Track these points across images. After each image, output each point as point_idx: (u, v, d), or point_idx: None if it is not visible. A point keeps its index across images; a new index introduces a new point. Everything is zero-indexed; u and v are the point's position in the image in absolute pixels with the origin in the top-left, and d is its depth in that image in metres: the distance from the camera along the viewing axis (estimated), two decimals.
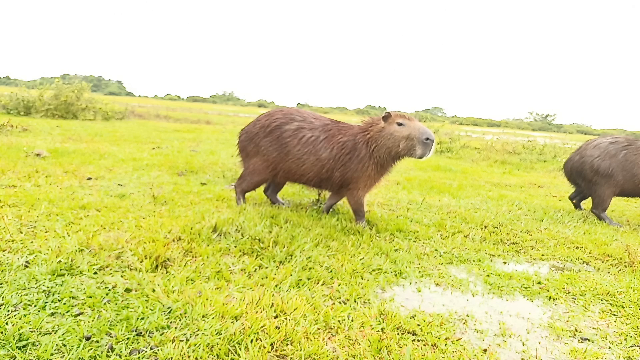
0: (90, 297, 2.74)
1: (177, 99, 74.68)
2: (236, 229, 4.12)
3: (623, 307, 3.40)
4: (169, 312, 2.65)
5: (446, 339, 2.71)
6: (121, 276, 3.08)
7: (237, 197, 5.26)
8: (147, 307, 2.68)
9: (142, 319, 2.56)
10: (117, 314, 2.59)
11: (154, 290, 2.88)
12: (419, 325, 2.82)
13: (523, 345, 2.78)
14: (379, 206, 5.96)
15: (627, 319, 3.22)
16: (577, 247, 4.82)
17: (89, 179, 5.98)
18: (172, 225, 4.11)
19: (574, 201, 6.97)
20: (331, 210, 5.32)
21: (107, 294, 2.80)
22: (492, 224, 5.39)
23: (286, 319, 2.71)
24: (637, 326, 3.10)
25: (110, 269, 3.17)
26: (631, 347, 2.84)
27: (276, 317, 2.73)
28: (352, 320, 2.80)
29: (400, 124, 4.57)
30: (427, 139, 4.43)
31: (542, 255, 4.54)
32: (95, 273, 3.09)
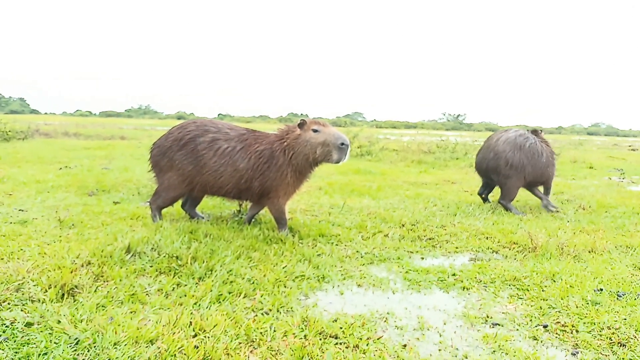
0: None
1: (89, 115, 70.46)
2: (152, 248, 3.94)
3: (528, 290, 3.66)
4: (76, 344, 2.46)
5: (368, 338, 2.76)
6: (21, 310, 2.82)
7: (153, 214, 5.04)
8: (50, 341, 2.47)
9: (44, 354, 2.36)
10: (16, 352, 2.36)
11: (59, 322, 2.67)
12: (341, 328, 2.85)
13: (440, 336, 2.89)
14: (301, 212, 5.98)
15: (532, 301, 3.47)
16: (487, 238, 5.12)
17: None
18: (80, 250, 3.85)
19: (483, 196, 7.44)
20: (253, 220, 5.26)
21: (4, 331, 2.56)
22: (410, 221, 5.60)
23: (206, 336, 2.63)
24: (540, 307, 3.35)
25: (9, 303, 2.90)
26: (536, 327, 3.05)
27: (195, 336, 2.64)
28: (274, 331, 2.77)
29: (315, 131, 4.63)
30: (342, 143, 4.53)
31: (457, 248, 4.79)
32: None
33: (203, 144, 4.77)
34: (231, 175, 4.73)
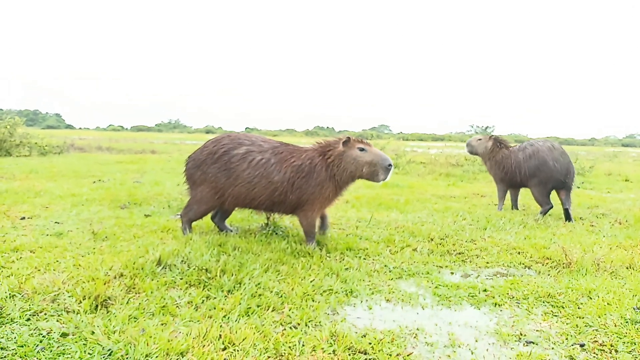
0: (22, 346, 2.56)
1: (121, 130, 72.45)
2: (182, 260, 4.00)
3: (563, 308, 3.55)
4: (109, 355, 2.51)
5: (397, 355, 2.73)
6: (57, 320, 2.90)
7: (184, 227, 5.12)
8: (85, 352, 2.53)
9: None
10: None
11: (93, 333, 2.73)
12: (370, 343, 2.82)
13: (472, 354, 2.83)
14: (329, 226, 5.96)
15: (568, 318, 3.36)
16: (519, 253, 5.00)
17: (23, 218, 5.65)
18: (113, 262, 3.94)
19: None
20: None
21: (41, 341, 2.63)
22: (439, 235, 5.52)
23: (235, 350, 2.64)
24: (577, 325, 3.24)
25: (45, 314, 2.98)
26: (572, 345, 2.95)
27: (224, 349, 2.65)
28: (303, 345, 2.76)
29: (362, 149, 4.78)
30: (390, 165, 4.72)
31: (487, 262, 4.69)
32: (28, 319, 2.89)
33: (237, 157, 4.84)
34: (265, 187, 4.78)
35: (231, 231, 5.34)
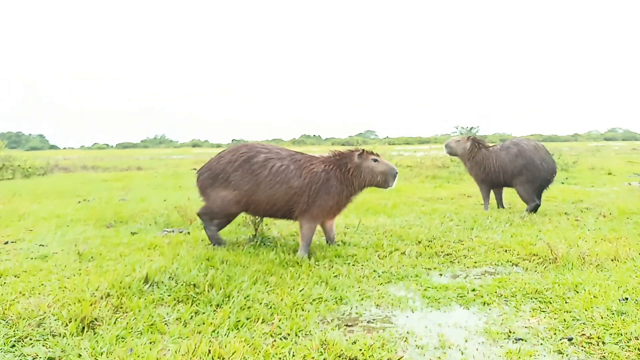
0: None
1: (106, 147, 71.74)
2: (169, 277, 3.97)
3: (550, 303, 3.58)
4: None
5: (388, 359, 2.73)
6: (43, 345, 2.86)
7: (206, 227, 5.30)
8: None
9: None
10: None
11: (79, 356, 2.70)
12: (360, 350, 2.82)
13: (462, 354, 2.84)
14: (316, 234, 5.96)
15: (555, 313, 3.40)
16: (506, 251, 5.05)
17: (6, 243, 5.56)
18: (99, 282, 3.89)
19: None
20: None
21: None
22: (427, 238, 5.56)
23: None
24: (564, 319, 3.27)
25: (31, 339, 2.93)
26: (560, 340, 2.98)
27: None
28: (293, 356, 2.76)
29: (375, 160, 5.21)
30: (396, 173, 5.26)
31: (475, 262, 4.72)
32: (13, 345, 2.85)
33: (257, 164, 5.02)
34: (285, 193, 4.96)
35: (222, 245, 5.30)
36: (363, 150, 5.29)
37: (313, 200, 4.99)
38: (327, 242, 5.45)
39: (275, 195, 4.98)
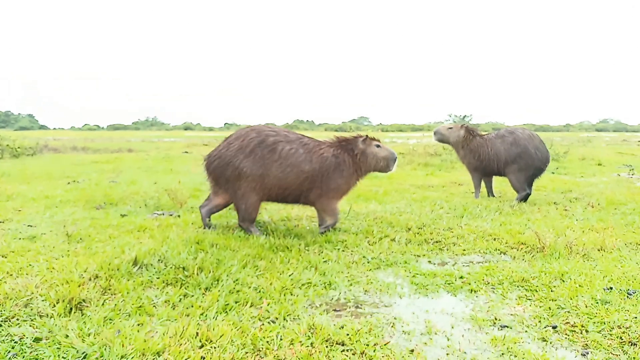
0: None
1: (97, 129, 70.99)
2: (159, 260, 3.96)
3: (537, 291, 3.63)
4: (84, 358, 2.48)
5: (375, 344, 2.76)
6: (30, 325, 2.85)
7: (248, 231, 5.13)
8: (58, 356, 2.50)
9: None
10: None
11: (67, 336, 2.69)
12: (347, 334, 2.84)
13: (448, 340, 2.88)
14: (307, 219, 5.98)
15: (541, 301, 3.44)
16: (495, 239, 5.09)
17: None
18: (88, 263, 3.88)
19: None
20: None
21: (13, 347, 2.58)
22: (417, 225, 5.58)
23: (212, 347, 2.63)
24: (549, 307, 3.32)
25: (18, 319, 2.92)
26: (545, 328, 3.03)
27: (201, 346, 2.64)
28: (281, 339, 2.77)
29: (378, 146, 5.37)
30: (397, 157, 5.44)
31: (464, 250, 4.76)
32: (0, 325, 2.84)
33: (267, 148, 5.01)
34: (297, 176, 5.04)
35: (210, 227, 5.29)
36: (366, 135, 5.42)
37: (327, 184, 5.13)
38: (320, 226, 5.43)
39: (288, 179, 5.02)
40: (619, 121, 71.52)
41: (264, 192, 5.10)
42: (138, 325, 2.90)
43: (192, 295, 3.38)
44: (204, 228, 5.28)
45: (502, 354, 2.70)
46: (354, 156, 5.28)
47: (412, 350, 2.72)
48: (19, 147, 16.43)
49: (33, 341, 2.65)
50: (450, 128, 7.93)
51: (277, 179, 5.01)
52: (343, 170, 5.19)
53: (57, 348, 2.58)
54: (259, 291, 3.51)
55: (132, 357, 2.49)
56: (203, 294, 3.43)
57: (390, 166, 5.41)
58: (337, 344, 2.75)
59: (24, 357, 2.50)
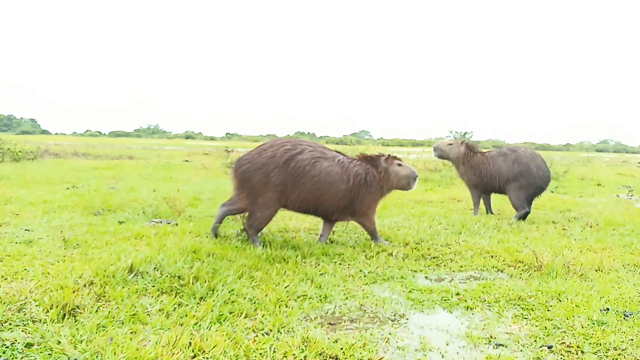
0: None
1: (98, 135, 71.14)
2: (154, 268, 3.95)
3: (533, 310, 3.61)
4: None
5: (369, 359, 2.73)
6: (22, 330, 2.83)
7: (252, 240, 5.11)
8: None
9: None
10: None
11: (59, 342, 2.67)
12: (342, 349, 2.82)
13: (442, 357, 2.86)
14: (305, 231, 5.97)
15: (537, 320, 3.42)
16: (492, 256, 5.08)
17: None
18: (83, 270, 3.86)
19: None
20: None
21: (4, 352, 2.57)
22: (414, 240, 5.57)
23: (205, 357, 2.62)
24: (545, 327, 3.30)
25: (10, 324, 2.90)
26: (540, 347, 3.01)
27: (194, 357, 2.63)
28: (274, 352, 2.75)
29: (399, 165, 5.46)
30: (417, 176, 5.50)
31: (461, 266, 4.75)
32: None
33: (302, 162, 4.99)
34: (334, 194, 5.09)
35: (216, 230, 5.32)
36: (389, 155, 5.52)
37: (362, 201, 5.24)
38: (320, 238, 5.45)
39: (323, 196, 5.06)
40: (619, 142, 71.73)
41: (288, 204, 5.10)
42: (131, 333, 2.88)
43: (187, 305, 3.37)
44: (213, 227, 5.32)
45: None
46: (379, 173, 5.36)
47: None
48: (20, 151, 16.47)
49: (24, 346, 2.64)
50: (451, 144, 7.94)
51: (311, 194, 5.02)
52: (372, 186, 5.29)
53: (49, 354, 2.56)
54: (254, 302, 3.49)
55: None
56: (198, 303, 3.41)
57: (411, 184, 5.47)
58: (330, 357, 2.73)
59: None
